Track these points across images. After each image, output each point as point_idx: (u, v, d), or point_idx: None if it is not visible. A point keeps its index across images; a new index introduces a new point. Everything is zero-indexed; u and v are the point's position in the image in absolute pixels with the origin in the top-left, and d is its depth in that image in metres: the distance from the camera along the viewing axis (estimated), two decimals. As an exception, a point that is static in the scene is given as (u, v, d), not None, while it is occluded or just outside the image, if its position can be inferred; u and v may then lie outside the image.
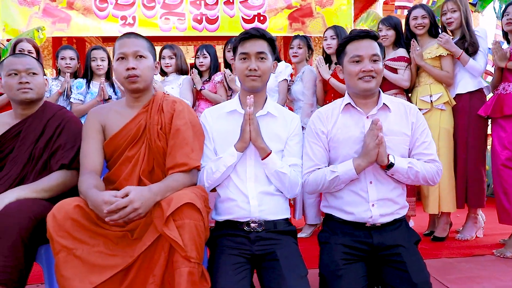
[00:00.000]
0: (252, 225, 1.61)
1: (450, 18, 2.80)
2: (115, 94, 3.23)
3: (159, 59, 3.29)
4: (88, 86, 3.13)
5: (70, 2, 4.37)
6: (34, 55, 3.05)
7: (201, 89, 3.18)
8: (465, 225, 2.82)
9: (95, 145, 1.60)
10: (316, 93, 3.04)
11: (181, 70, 3.26)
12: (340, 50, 1.71)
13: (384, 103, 1.67)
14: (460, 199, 2.70)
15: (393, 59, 2.94)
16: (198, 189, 1.52)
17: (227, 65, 3.28)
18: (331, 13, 4.61)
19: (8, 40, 4.37)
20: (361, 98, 1.68)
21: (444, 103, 2.76)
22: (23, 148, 1.69)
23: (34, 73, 1.74)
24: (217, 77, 3.21)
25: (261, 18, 4.54)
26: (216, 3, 4.47)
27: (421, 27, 2.85)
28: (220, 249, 1.56)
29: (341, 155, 1.67)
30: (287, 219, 1.70)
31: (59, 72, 3.21)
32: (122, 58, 1.58)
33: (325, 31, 3.03)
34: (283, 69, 3.14)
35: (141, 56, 1.59)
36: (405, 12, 4.56)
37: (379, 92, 1.71)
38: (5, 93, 1.82)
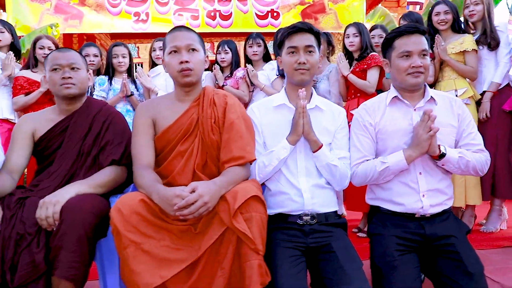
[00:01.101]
0: (305, 218, 1.61)
1: (472, 10, 2.84)
2: (137, 90, 3.22)
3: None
4: (110, 83, 3.11)
5: (82, -1, 4.32)
6: (54, 52, 3.02)
7: (223, 85, 3.17)
8: (489, 217, 2.86)
9: (148, 140, 1.60)
10: (339, 89, 3.05)
11: (203, 66, 3.25)
12: (388, 45, 1.72)
13: (431, 96, 1.69)
14: (486, 192, 2.74)
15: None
16: (255, 183, 1.52)
17: (248, 61, 3.28)
18: (344, 9, 4.62)
19: (19, 37, 4.33)
20: (408, 92, 1.70)
21: (468, 97, 2.79)
22: (71, 144, 1.68)
23: (77, 68, 1.73)
24: (239, 72, 3.21)
25: (274, 14, 4.54)
26: (230, -1, 4.46)
27: (443, 23, 2.88)
28: (275, 243, 1.57)
29: (390, 147, 1.68)
30: (336, 211, 1.71)
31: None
32: (175, 51, 1.57)
33: (346, 28, 3.04)
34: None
35: (193, 50, 1.58)
36: (417, 8, 4.61)
37: (425, 85, 1.73)
38: (49, 88, 1.80)
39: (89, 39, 5.20)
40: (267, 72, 3.18)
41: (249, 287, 1.27)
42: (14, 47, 3.04)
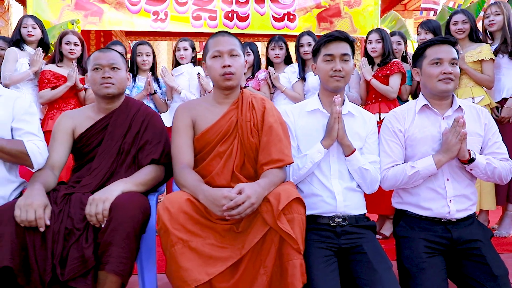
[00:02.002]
0: (337, 219, 1.68)
1: (492, 20, 2.90)
2: (160, 88, 3.28)
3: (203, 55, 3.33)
4: (134, 81, 3.17)
5: (102, -4, 4.38)
6: (80, 47, 3.09)
7: (245, 86, 3.23)
8: (503, 222, 2.92)
9: (188, 140, 1.66)
10: (360, 92, 3.11)
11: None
12: (419, 54, 1.79)
13: (459, 105, 1.76)
14: (502, 197, 2.80)
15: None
16: (293, 185, 1.59)
17: (270, 63, 3.34)
18: (359, 14, 4.68)
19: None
20: (437, 99, 1.76)
21: (485, 105, 2.85)
22: (111, 142, 1.73)
23: (117, 68, 1.78)
24: (261, 74, 3.28)
25: (291, 17, 4.60)
26: (247, 1, 4.51)
27: (461, 32, 2.94)
28: (308, 243, 1.62)
29: (419, 153, 1.75)
30: (365, 214, 1.78)
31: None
32: (218, 56, 1.64)
33: (369, 34, 3.10)
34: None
35: (235, 55, 1.65)
36: (431, 14, 4.67)
37: (453, 94, 1.80)
38: (89, 87, 1.86)
39: (106, 36, 5.25)
40: (288, 75, 3.24)
41: (292, 285, 1.33)
42: (43, 43, 3.10)
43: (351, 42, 1.76)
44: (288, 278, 1.34)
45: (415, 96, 3.22)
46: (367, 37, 3.11)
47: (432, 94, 1.76)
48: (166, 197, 1.43)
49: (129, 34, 5.89)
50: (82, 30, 4.31)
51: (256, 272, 1.38)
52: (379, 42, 3.00)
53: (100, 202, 1.42)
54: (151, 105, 3.19)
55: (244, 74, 3.28)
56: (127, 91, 3.14)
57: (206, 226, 1.41)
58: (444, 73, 1.69)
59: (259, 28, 4.56)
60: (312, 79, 3.24)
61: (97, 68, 1.75)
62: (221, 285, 1.35)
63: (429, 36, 3.01)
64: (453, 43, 1.75)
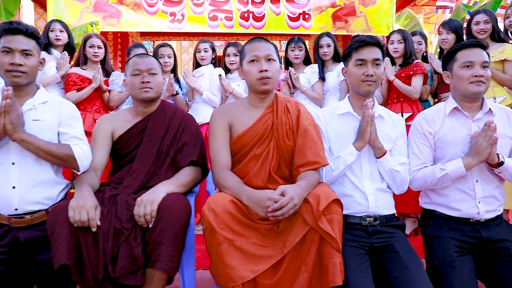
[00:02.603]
0: (368, 219, 1.74)
1: None
2: (181, 89, 3.34)
3: (224, 57, 3.39)
4: (157, 82, 3.23)
5: (120, -3, 4.44)
6: (103, 50, 3.15)
7: (265, 87, 3.28)
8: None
9: (226, 143, 1.72)
10: (381, 91, 3.15)
11: (245, 68, 3.36)
12: (450, 57, 1.83)
13: (489, 108, 1.80)
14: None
15: (455, 61, 3.05)
16: (328, 186, 1.64)
17: (289, 64, 3.39)
18: (374, 12, 4.70)
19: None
20: (467, 102, 1.81)
21: (507, 105, 2.88)
22: (150, 144, 1.80)
23: (154, 73, 1.84)
24: (281, 75, 3.32)
25: (306, 16, 4.63)
26: (263, 1, 4.55)
27: (483, 32, 2.96)
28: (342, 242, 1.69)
29: (448, 155, 1.80)
30: (394, 213, 1.84)
31: (128, 68, 3.31)
32: (255, 60, 1.69)
33: (391, 34, 3.13)
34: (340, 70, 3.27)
35: (271, 60, 1.70)
36: (447, 11, 4.68)
37: (483, 97, 1.84)
38: (128, 91, 1.92)
39: (123, 37, 5.32)
40: (308, 75, 3.29)
41: (333, 282, 1.39)
42: (69, 47, 3.17)
43: (381, 47, 1.81)
44: (329, 275, 1.40)
45: (435, 96, 3.25)
46: (388, 38, 3.15)
47: (462, 96, 1.80)
48: (210, 198, 1.49)
49: (143, 34, 5.95)
50: (100, 31, 4.38)
51: (297, 270, 1.44)
52: (401, 42, 3.03)
53: (148, 204, 1.48)
54: (174, 106, 3.25)
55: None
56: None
57: (248, 226, 1.47)
58: (476, 75, 1.73)
59: (275, 28, 4.60)
60: (332, 79, 3.29)
61: (136, 74, 1.81)
62: (264, 282, 1.41)
63: (451, 36, 3.03)
64: (484, 47, 1.79)
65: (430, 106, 3.32)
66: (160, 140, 1.81)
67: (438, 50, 3.34)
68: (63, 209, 1.47)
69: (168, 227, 1.45)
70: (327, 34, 3.36)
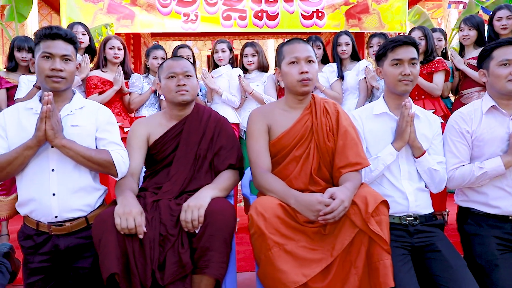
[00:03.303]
0: (408, 219, 1.73)
1: None
2: (200, 90, 3.33)
3: (241, 57, 3.38)
4: (176, 84, 3.22)
5: (133, -1, 4.43)
6: (123, 51, 3.14)
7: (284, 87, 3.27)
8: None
9: (265, 145, 1.71)
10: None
11: (263, 67, 3.35)
12: (486, 55, 1.82)
13: None
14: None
15: (476, 58, 3.03)
16: (370, 187, 1.63)
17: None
18: (386, 10, 4.69)
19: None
20: (505, 100, 1.80)
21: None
22: (187, 148, 1.79)
23: (189, 76, 1.83)
24: (300, 74, 3.31)
25: (319, 14, 4.61)
26: (276, 0, 4.54)
27: (506, 28, 2.95)
28: (383, 242, 1.69)
29: (486, 153, 1.79)
30: (432, 212, 1.83)
31: (147, 70, 3.30)
32: (295, 62, 1.68)
33: (411, 31, 3.12)
34: (363, 68, 3.26)
35: (311, 61, 1.69)
36: (460, 7, 4.65)
37: None
38: (162, 95, 1.91)
39: (135, 37, 5.31)
40: (326, 74, 3.28)
41: (384, 284, 1.39)
42: (90, 49, 3.16)
43: (417, 46, 1.80)
44: (380, 277, 1.40)
45: (456, 92, 3.24)
46: (409, 34, 3.13)
47: (499, 94, 1.79)
48: (256, 202, 1.48)
49: (154, 35, 5.94)
50: (114, 33, 4.37)
51: (347, 272, 1.43)
52: (422, 39, 3.01)
53: (195, 209, 1.47)
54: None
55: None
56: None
57: (297, 230, 1.46)
58: None
59: (288, 26, 4.58)
60: (351, 78, 3.28)
61: (171, 76, 1.80)
62: (315, 285, 1.40)
63: (473, 33, 3.02)
64: None
65: (451, 103, 3.33)
66: (197, 144, 1.79)
67: (458, 46, 3.32)
68: (108, 216, 1.46)
69: (217, 232, 1.44)
70: (346, 33, 3.34)
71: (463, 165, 1.82)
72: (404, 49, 1.76)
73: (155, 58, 3.21)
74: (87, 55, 3.07)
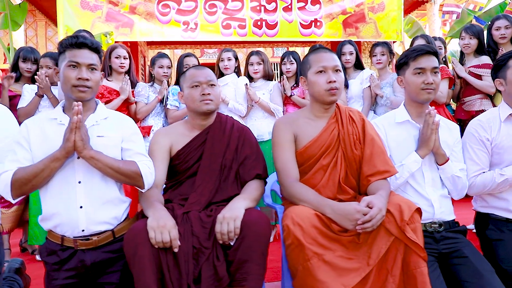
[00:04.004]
0: (433, 226, 1.75)
1: None
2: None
3: (247, 66, 3.38)
4: (182, 92, 3.20)
5: (132, 7, 4.39)
6: (128, 60, 3.11)
7: (291, 95, 3.29)
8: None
9: (292, 154, 1.71)
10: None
11: (268, 76, 3.36)
12: (501, 65, 1.88)
13: None
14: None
15: (478, 66, 3.13)
16: (399, 195, 1.65)
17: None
18: (382, 19, 4.78)
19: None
20: None
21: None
22: (212, 158, 1.76)
23: (213, 85, 1.82)
24: (305, 83, 3.33)
25: (318, 23, 4.67)
26: (275, 9, 4.57)
27: (504, 37, 3.05)
28: (411, 249, 1.70)
29: (506, 160, 1.84)
30: (454, 219, 1.86)
31: (152, 79, 3.27)
32: (323, 71, 1.69)
33: (413, 40, 3.19)
34: (368, 76, 3.31)
35: (338, 70, 1.70)
36: (453, 17, 4.79)
37: None
38: (185, 104, 1.89)
39: (132, 46, 5.26)
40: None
41: (422, 292, 1.40)
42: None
43: (438, 55, 1.83)
44: (417, 284, 1.40)
45: (457, 100, 3.31)
46: (412, 43, 3.20)
47: None
48: (291, 212, 1.47)
49: (149, 43, 5.90)
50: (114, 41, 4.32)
51: (384, 281, 1.43)
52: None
53: (231, 221, 1.45)
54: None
55: (288, 82, 3.34)
56: (176, 103, 3.17)
57: (332, 239, 1.46)
58: None
59: (287, 35, 4.62)
60: (355, 87, 3.33)
61: (196, 86, 1.78)
62: None
63: (474, 41, 3.11)
64: None
65: (453, 110, 3.40)
66: (222, 154, 1.77)
67: (458, 54, 3.41)
68: (141, 230, 1.42)
69: (255, 244, 1.42)
70: (349, 42, 3.40)
71: (484, 172, 1.86)
72: (426, 58, 1.79)
73: (161, 67, 3.18)
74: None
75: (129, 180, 1.60)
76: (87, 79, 1.56)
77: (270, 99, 3.25)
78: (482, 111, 3.01)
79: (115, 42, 4.29)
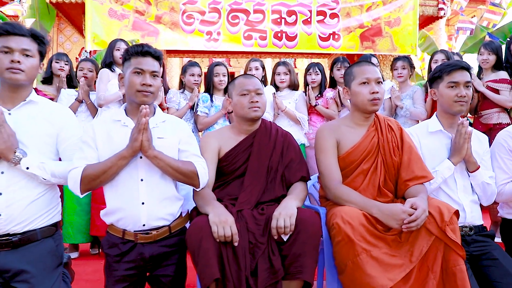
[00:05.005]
0: (464, 229, 1.87)
1: None
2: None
3: (273, 75, 3.53)
4: (211, 100, 3.34)
5: (158, 17, 4.56)
6: (162, 68, 3.24)
7: (315, 105, 3.43)
8: None
9: (335, 159, 1.84)
10: (426, 107, 3.33)
11: (294, 86, 3.50)
12: None
13: None
14: None
15: (495, 81, 3.27)
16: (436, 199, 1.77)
17: (334, 82, 3.55)
18: (398, 33, 4.95)
19: (94, 52, 4.54)
20: None
21: None
22: (259, 161, 1.88)
23: (260, 93, 1.94)
24: (329, 93, 3.47)
25: (336, 36, 4.84)
26: (295, 21, 4.74)
27: (523, 53, 3.20)
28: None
29: (533, 169, 1.96)
30: (483, 224, 1.97)
31: (183, 86, 3.41)
32: (366, 82, 1.82)
33: (434, 54, 3.34)
34: (389, 88, 3.45)
35: (380, 82, 1.84)
36: (467, 33, 4.95)
37: None
38: (233, 110, 2.01)
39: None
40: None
41: (462, 287, 1.51)
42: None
43: (470, 71, 1.97)
44: (457, 281, 1.52)
45: (475, 113, 3.45)
46: (432, 57, 3.36)
47: None
48: (340, 211, 1.59)
49: (169, 52, 6.06)
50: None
51: (425, 277, 1.55)
52: (444, 61, 3.23)
53: (287, 217, 1.57)
54: (227, 123, 3.35)
55: (313, 92, 3.48)
56: (206, 110, 3.30)
57: (378, 237, 1.58)
58: None
59: (306, 47, 4.79)
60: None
61: (245, 94, 1.91)
62: None
63: (492, 57, 3.26)
64: None
65: (470, 123, 3.53)
66: (268, 157, 1.89)
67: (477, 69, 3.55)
68: (204, 225, 1.55)
69: (309, 239, 1.54)
70: (372, 55, 3.55)
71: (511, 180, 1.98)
72: (460, 72, 1.93)
73: (192, 75, 3.32)
74: None
75: (186, 179, 1.72)
76: (150, 85, 1.69)
77: (296, 108, 3.39)
78: (500, 124, 3.16)
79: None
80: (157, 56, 1.75)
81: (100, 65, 3.31)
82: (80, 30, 5.63)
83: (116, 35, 4.47)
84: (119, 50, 3.17)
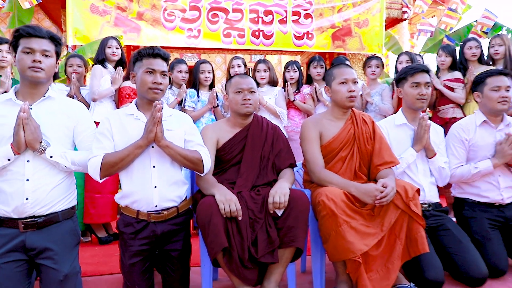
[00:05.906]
0: (424, 206, 2.25)
1: (497, 50, 3.63)
2: (217, 99, 3.69)
3: (254, 72, 3.80)
4: (198, 95, 3.57)
5: (140, 13, 4.69)
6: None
7: (293, 100, 3.74)
8: None
9: (318, 147, 2.15)
10: (393, 103, 3.72)
11: (273, 82, 3.79)
12: (480, 82, 2.40)
13: (509, 121, 2.39)
14: None
15: (451, 80, 3.71)
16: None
17: (310, 79, 3.88)
18: (366, 33, 5.34)
19: (76, 46, 4.62)
20: (494, 116, 2.39)
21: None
22: (253, 151, 2.16)
23: (253, 92, 2.21)
24: (305, 89, 3.79)
25: (309, 35, 5.16)
26: (272, 21, 5.02)
27: (474, 56, 3.65)
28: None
29: (479, 156, 2.37)
30: (439, 201, 2.36)
31: (171, 82, 3.61)
32: (344, 82, 2.13)
33: (399, 56, 3.73)
34: (360, 86, 3.82)
35: (356, 82, 2.16)
36: (428, 35, 5.42)
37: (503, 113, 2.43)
38: (229, 105, 2.27)
39: (135, 50, 5.54)
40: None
41: (423, 250, 1.88)
42: (121, 62, 3.42)
43: (429, 72, 2.34)
44: (418, 245, 1.88)
45: (433, 108, 3.88)
46: (398, 58, 3.75)
47: (490, 112, 2.37)
48: (325, 190, 1.90)
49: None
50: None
51: (393, 242, 1.90)
52: (408, 63, 3.63)
53: (281, 195, 1.86)
54: (213, 117, 3.59)
55: (291, 88, 3.79)
56: (193, 105, 3.53)
57: (355, 211, 1.90)
58: (503, 97, 2.31)
59: (282, 45, 5.08)
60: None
61: (239, 91, 2.18)
62: (373, 253, 1.85)
63: (448, 59, 3.69)
64: (509, 75, 2.36)
65: (429, 117, 3.97)
66: (261, 148, 2.17)
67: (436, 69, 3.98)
68: (212, 203, 1.81)
69: (300, 214, 1.84)
70: (343, 57, 3.90)
71: (462, 165, 2.38)
72: (421, 74, 2.29)
73: (180, 71, 3.53)
74: (121, 68, 3.32)
75: (193, 166, 1.96)
76: (160, 83, 1.93)
77: (275, 103, 3.68)
78: (454, 118, 3.60)
79: (124, 46, 4.59)
80: (166, 57, 1.98)
81: (92, 62, 3.45)
82: (59, 24, 5.65)
83: (98, 30, 4.58)
84: (110, 47, 3.32)
